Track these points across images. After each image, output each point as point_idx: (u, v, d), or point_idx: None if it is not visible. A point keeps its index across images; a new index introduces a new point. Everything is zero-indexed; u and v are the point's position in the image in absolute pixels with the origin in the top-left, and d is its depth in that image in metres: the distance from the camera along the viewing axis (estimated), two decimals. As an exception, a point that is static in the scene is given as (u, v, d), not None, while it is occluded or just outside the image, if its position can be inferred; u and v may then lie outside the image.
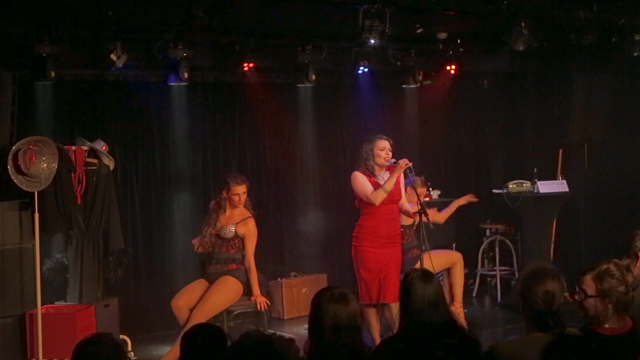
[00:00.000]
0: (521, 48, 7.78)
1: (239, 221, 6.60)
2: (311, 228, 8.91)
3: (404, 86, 9.03)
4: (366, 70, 8.47)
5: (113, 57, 7.14)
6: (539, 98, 9.44)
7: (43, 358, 6.27)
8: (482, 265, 9.60)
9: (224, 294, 6.46)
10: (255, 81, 8.33)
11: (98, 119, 7.95)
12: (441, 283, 4.29)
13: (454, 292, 7.52)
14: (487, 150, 10.20)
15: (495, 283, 9.25)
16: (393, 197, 6.48)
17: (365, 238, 6.51)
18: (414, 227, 7.15)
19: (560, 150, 9.17)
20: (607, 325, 3.54)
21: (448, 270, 7.56)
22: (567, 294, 3.58)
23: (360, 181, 6.49)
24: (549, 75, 9.26)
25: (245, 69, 7.91)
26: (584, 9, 7.74)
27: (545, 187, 8.63)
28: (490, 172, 10.20)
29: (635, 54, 8.10)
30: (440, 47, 8.65)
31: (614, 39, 8.22)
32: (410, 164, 6.31)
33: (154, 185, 8.29)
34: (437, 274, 6.85)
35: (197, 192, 8.48)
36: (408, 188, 6.70)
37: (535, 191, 8.62)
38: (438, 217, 7.18)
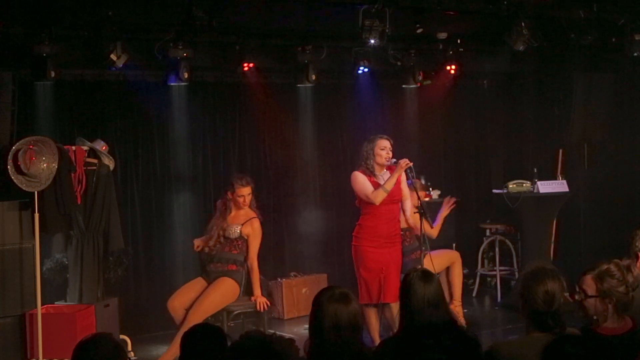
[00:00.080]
0: (521, 48, 7.79)
1: (244, 222, 6.63)
2: (311, 228, 8.91)
3: (404, 86, 9.03)
4: (366, 70, 8.46)
5: (113, 57, 7.13)
6: (539, 98, 9.44)
7: (43, 358, 6.27)
8: (482, 265, 9.60)
9: (221, 294, 6.49)
10: (255, 81, 8.33)
11: (98, 119, 7.95)
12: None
13: (453, 291, 7.53)
14: (487, 150, 10.20)
15: (495, 283, 9.25)
16: (393, 197, 6.48)
17: (365, 238, 6.51)
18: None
19: (560, 150, 9.17)
20: (607, 325, 3.54)
21: (447, 270, 7.57)
22: (567, 294, 3.58)
23: (360, 181, 6.49)
24: (549, 75, 9.26)
25: (245, 69, 7.91)
26: (584, 9, 7.75)
27: (545, 187, 8.63)
28: (490, 172, 10.20)
29: (635, 54, 8.10)
30: (440, 47, 8.65)
31: (614, 39, 8.23)
32: (411, 164, 6.31)
33: (154, 185, 8.29)
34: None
35: (197, 192, 8.49)
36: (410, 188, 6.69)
37: (535, 191, 8.62)
38: (431, 231, 7.17)
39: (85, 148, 6.87)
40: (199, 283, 6.65)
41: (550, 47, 8.61)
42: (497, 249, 9.31)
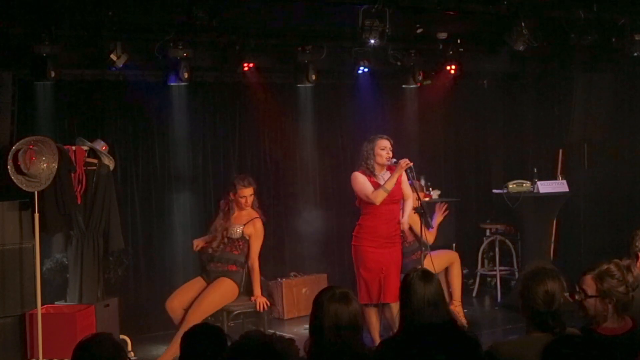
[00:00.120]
0: (521, 48, 7.78)
1: (246, 222, 6.63)
2: (311, 228, 8.90)
3: (404, 86, 9.03)
4: (366, 70, 8.46)
5: (113, 57, 7.13)
6: (539, 98, 9.44)
7: (43, 358, 6.27)
8: (482, 265, 9.59)
9: (220, 295, 6.50)
10: (255, 81, 8.33)
11: (98, 119, 7.95)
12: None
13: (452, 291, 7.54)
14: (487, 150, 10.20)
15: (495, 283, 9.25)
16: (393, 197, 6.48)
17: (365, 238, 6.51)
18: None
19: (560, 150, 9.17)
20: (607, 325, 3.54)
21: (445, 270, 7.57)
22: (567, 294, 3.58)
23: (361, 181, 6.49)
24: (549, 75, 9.26)
25: (245, 69, 7.91)
26: (584, 9, 7.75)
27: (545, 187, 8.63)
28: (490, 172, 10.20)
29: (635, 54, 8.10)
30: (440, 47, 8.65)
31: (614, 39, 8.23)
32: (411, 164, 6.31)
33: (154, 185, 8.29)
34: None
35: (197, 192, 8.49)
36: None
37: (535, 191, 8.62)
38: (427, 236, 7.15)
39: (85, 148, 6.87)
40: (198, 283, 6.65)
41: (550, 47, 8.61)
42: (497, 249, 9.31)
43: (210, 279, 6.60)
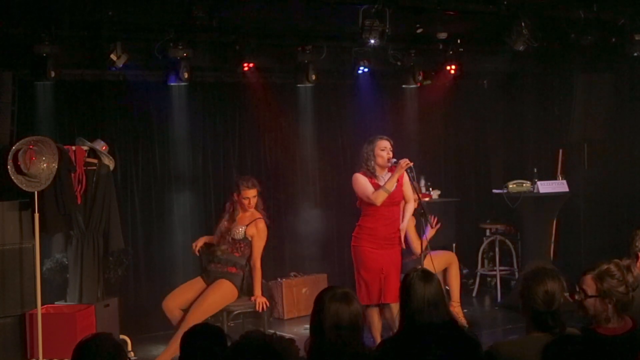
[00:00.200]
0: (521, 48, 7.78)
1: (248, 223, 6.64)
2: (311, 228, 8.91)
3: (404, 86, 9.03)
4: (366, 70, 8.46)
5: (113, 57, 7.13)
6: (539, 98, 9.44)
7: (43, 358, 6.26)
8: (482, 265, 9.59)
9: (220, 296, 6.50)
10: (255, 81, 8.33)
11: (98, 119, 7.95)
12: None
13: (451, 292, 7.54)
14: (487, 150, 10.20)
15: (495, 283, 9.25)
16: (394, 199, 6.47)
17: (365, 239, 6.50)
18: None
19: (560, 150, 9.17)
20: (607, 325, 3.54)
21: (443, 271, 7.57)
22: (567, 294, 3.58)
23: (361, 182, 6.48)
24: (549, 75, 9.26)
25: (245, 69, 7.91)
26: (584, 9, 7.75)
27: (545, 187, 8.62)
28: (490, 172, 10.20)
29: (635, 54, 8.10)
30: (440, 47, 8.65)
31: (614, 39, 8.23)
32: (411, 164, 6.31)
33: (154, 185, 8.30)
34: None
35: (197, 192, 8.49)
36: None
37: (535, 191, 8.62)
38: (414, 245, 7.12)
39: (85, 148, 6.87)
40: (197, 284, 6.65)
41: (550, 47, 8.61)
42: (497, 249, 9.31)
43: (210, 279, 6.60)
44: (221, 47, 8.01)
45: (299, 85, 8.41)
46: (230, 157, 8.69)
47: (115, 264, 7.49)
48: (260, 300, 6.54)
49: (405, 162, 6.29)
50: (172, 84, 7.80)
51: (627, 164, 9.14)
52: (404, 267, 6.60)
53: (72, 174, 6.68)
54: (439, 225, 7.16)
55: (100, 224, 6.88)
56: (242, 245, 6.63)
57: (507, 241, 9.33)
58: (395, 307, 6.25)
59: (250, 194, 6.65)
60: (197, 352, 3.33)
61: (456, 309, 7.42)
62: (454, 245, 8.98)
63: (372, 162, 6.47)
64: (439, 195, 9.40)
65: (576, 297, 3.62)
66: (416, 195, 6.49)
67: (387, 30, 7.11)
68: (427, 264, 6.07)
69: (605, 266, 3.59)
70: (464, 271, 9.12)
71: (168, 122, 8.27)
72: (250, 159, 8.83)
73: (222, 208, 8.26)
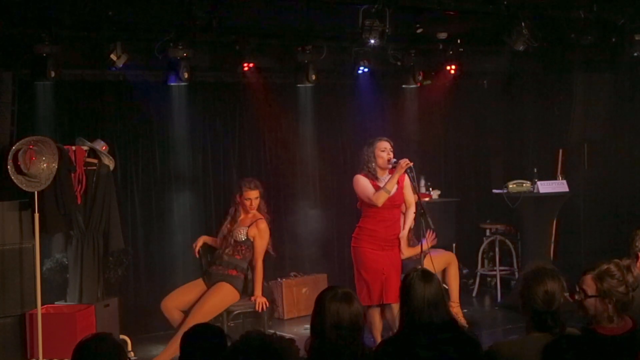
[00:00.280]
0: (521, 48, 7.78)
1: (250, 224, 6.64)
2: (311, 228, 8.91)
3: (404, 86, 9.03)
4: (366, 70, 8.46)
5: (113, 57, 7.13)
6: (539, 98, 9.43)
7: (43, 358, 6.26)
8: (482, 265, 9.59)
9: (220, 299, 6.51)
10: (255, 81, 8.33)
11: (98, 119, 7.95)
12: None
13: (450, 292, 7.53)
14: (487, 150, 10.20)
15: (495, 283, 9.24)
16: (394, 202, 6.46)
17: (365, 240, 6.49)
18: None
19: (560, 150, 9.17)
20: (607, 325, 3.54)
21: (443, 271, 7.57)
22: (567, 294, 3.59)
23: (362, 183, 6.48)
24: (549, 75, 9.25)
25: (245, 69, 7.91)
26: (584, 9, 7.75)
27: (545, 187, 8.63)
28: (490, 172, 10.20)
29: (635, 54, 8.10)
30: (440, 47, 8.65)
31: (614, 39, 8.22)
32: (411, 164, 6.30)
33: (154, 185, 8.30)
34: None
35: (197, 192, 8.49)
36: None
37: (535, 191, 8.62)
38: (403, 248, 7.10)
39: (85, 148, 6.87)
40: (198, 286, 6.65)
41: (550, 47, 8.60)
42: (497, 249, 9.31)
43: (210, 282, 6.60)
44: (221, 47, 8.01)
45: (299, 85, 8.40)
46: (230, 157, 8.69)
47: (115, 264, 7.49)
48: (260, 301, 6.54)
49: (405, 162, 6.29)
50: (172, 84, 7.79)
51: (627, 164, 9.14)
52: (404, 267, 6.60)
53: (72, 174, 6.68)
54: (434, 242, 7.01)
55: (100, 224, 6.88)
56: (243, 247, 6.63)
57: (507, 241, 9.33)
58: (396, 308, 6.24)
59: (252, 195, 6.66)
60: (197, 352, 3.33)
61: (455, 309, 7.40)
62: (454, 245, 8.98)
63: (373, 164, 6.47)
64: (439, 195, 9.40)
65: (576, 297, 3.62)
66: (416, 196, 6.49)
67: (387, 30, 7.11)
68: (427, 264, 6.07)
69: (605, 266, 3.59)
70: (464, 271, 9.13)
71: (168, 122, 8.27)
72: (250, 159, 8.83)
73: (222, 208, 8.32)
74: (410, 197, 6.58)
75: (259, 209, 6.72)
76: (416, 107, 9.46)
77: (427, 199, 8.69)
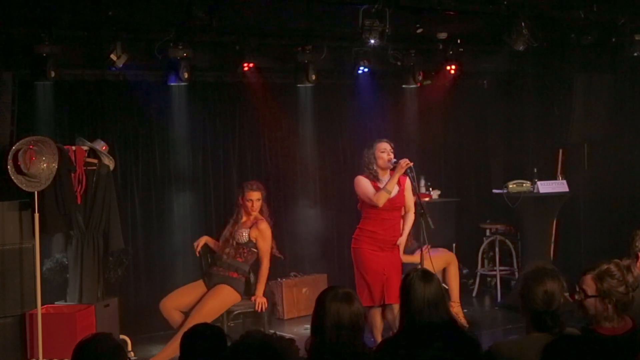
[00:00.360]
0: (521, 48, 7.78)
1: (251, 225, 6.65)
2: (311, 228, 8.91)
3: (404, 86, 9.02)
4: (366, 70, 8.45)
5: (113, 57, 7.13)
6: (539, 98, 9.43)
7: (43, 358, 6.27)
8: (482, 265, 9.59)
9: (220, 302, 6.52)
10: (255, 81, 8.33)
11: (98, 119, 7.95)
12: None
13: (450, 292, 7.54)
14: (487, 150, 10.20)
15: (495, 283, 9.25)
16: (395, 204, 6.47)
17: (365, 241, 6.49)
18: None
19: (560, 150, 9.17)
20: (607, 325, 3.54)
21: (442, 271, 7.57)
22: (567, 294, 3.59)
23: (363, 184, 6.49)
24: (549, 75, 9.25)
25: (245, 69, 7.90)
26: (584, 9, 7.75)
27: (545, 187, 8.63)
28: (490, 172, 10.20)
29: (635, 54, 8.10)
30: (440, 47, 8.64)
31: (614, 39, 8.22)
32: (411, 164, 6.31)
33: (154, 185, 8.30)
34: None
35: (197, 192, 8.49)
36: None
37: (535, 191, 8.63)
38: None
39: (85, 148, 6.87)
40: (198, 287, 6.65)
41: (550, 47, 8.60)
42: (497, 249, 9.31)
43: (211, 284, 6.60)
44: (221, 47, 8.01)
45: (299, 85, 8.40)
46: (230, 157, 8.69)
47: (115, 264, 7.49)
48: (260, 301, 6.55)
49: (405, 162, 6.29)
50: (172, 84, 7.79)
51: (627, 164, 9.13)
52: (404, 267, 6.60)
53: (72, 174, 6.69)
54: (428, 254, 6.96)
55: (100, 224, 6.89)
56: (245, 250, 6.64)
57: (507, 241, 9.33)
58: (397, 308, 6.23)
59: (254, 197, 6.67)
60: (197, 352, 3.33)
61: (456, 309, 7.41)
62: (454, 245, 8.98)
63: (374, 165, 6.48)
64: (439, 195, 9.39)
65: (576, 297, 3.62)
66: (416, 196, 6.48)
67: (387, 30, 7.11)
68: (426, 264, 6.07)
69: (605, 266, 3.59)
70: (464, 271, 9.13)
71: (168, 122, 8.27)
72: (250, 159, 8.83)
73: (222, 208, 8.35)
74: (410, 201, 6.59)
75: (261, 212, 6.73)
76: (416, 107, 9.46)
77: (427, 199, 8.68)
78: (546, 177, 8.86)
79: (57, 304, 6.92)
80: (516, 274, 9.23)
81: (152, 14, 7.09)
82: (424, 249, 6.30)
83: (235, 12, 7.23)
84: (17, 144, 6.27)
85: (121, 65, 7.23)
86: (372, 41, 7.17)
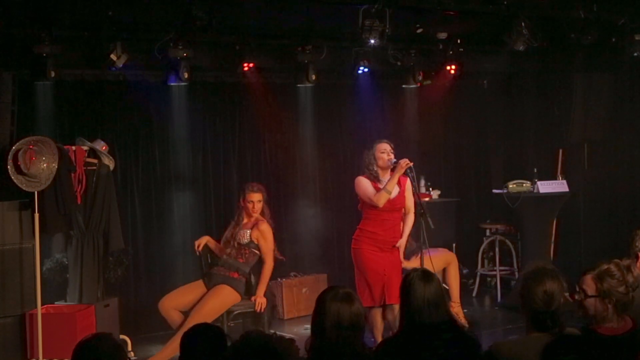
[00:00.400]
0: (521, 48, 7.77)
1: (252, 226, 6.65)
2: (311, 228, 8.90)
3: (404, 86, 9.02)
4: (366, 70, 8.45)
5: (113, 57, 7.12)
6: (539, 98, 9.43)
7: (43, 358, 6.27)
8: (482, 265, 9.59)
9: (220, 302, 6.52)
10: (255, 81, 8.33)
11: (98, 119, 7.95)
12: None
13: (450, 292, 7.54)
14: (487, 150, 10.20)
15: (495, 283, 9.25)
16: (395, 205, 6.47)
17: (365, 242, 6.49)
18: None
19: (560, 150, 9.17)
20: (607, 325, 3.54)
21: (443, 271, 7.56)
22: (567, 294, 3.58)
23: (363, 184, 6.49)
24: (549, 75, 9.25)
25: (245, 69, 7.90)
26: (584, 9, 7.74)
27: (545, 187, 8.63)
28: (490, 172, 10.19)
29: (635, 54, 8.09)
30: (440, 47, 8.64)
31: (614, 39, 8.22)
32: (411, 164, 6.31)
33: (154, 185, 8.30)
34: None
35: (197, 192, 8.49)
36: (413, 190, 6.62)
37: (535, 191, 8.63)
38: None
39: (85, 148, 6.87)
40: (198, 287, 6.65)
41: (550, 47, 8.60)
42: (497, 249, 9.31)
43: (211, 284, 6.60)
44: (221, 47, 8.00)
45: (299, 85, 8.40)
46: (230, 157, 8.69)
47: (115, 264, 7.49)
48: (259, 301, 6.55)
49: (405, 162, 6.29)
50: (172, 84, 7.79)
51: (627, 164, 9.14)
52: (403, 269, 6.59)
53: (72, 174, 6.69)
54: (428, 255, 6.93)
55: (100, 224, 6.89)
56: (246, 251, 6.64)
57: (507, 241, 9.33)
58: (397, 308, 6.23)
59: (255, 198, 6.68)
60: (197, 353, 3.33)
61: (456, 308, 7.41)
62: (454, 245, 8.98)
63: (374, 166, 6.48)
64: (439, 195, 9.39)
65: (576, 297, 3.62)
66: (415, 196, 6.48)
67: (387, 30, 7.10)
68: (426, 264, 6.07)
69: (605, 266, 3.59)
70: (464, 271, 9.12)
71: (168, 122, 8.27)
72: (250, 159, 8.83)
73: (222, 208, 8.36)
74: (411, 203, 6.59)
75: (262, 214, 6.74)
76: (416, 107, 9.45)
77: (427, 199, 8.68)
78: (546, 177, 8.86)
79: (57, 304, 6.92)
80: (516, 274, 9.23)
81: (152, 14, 7.09)
82: (423, 252, 6.30)
83: (235, 12, 7.23)
84: (17, 144, 6.27)
85: (121, 65, 7.22)
86: (372, 41, 7.17)
